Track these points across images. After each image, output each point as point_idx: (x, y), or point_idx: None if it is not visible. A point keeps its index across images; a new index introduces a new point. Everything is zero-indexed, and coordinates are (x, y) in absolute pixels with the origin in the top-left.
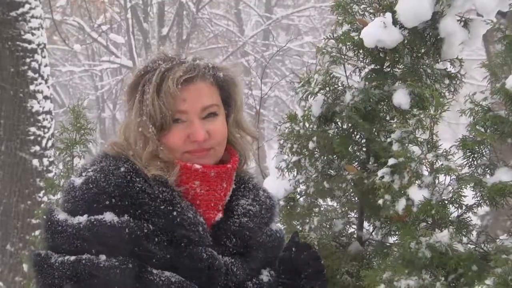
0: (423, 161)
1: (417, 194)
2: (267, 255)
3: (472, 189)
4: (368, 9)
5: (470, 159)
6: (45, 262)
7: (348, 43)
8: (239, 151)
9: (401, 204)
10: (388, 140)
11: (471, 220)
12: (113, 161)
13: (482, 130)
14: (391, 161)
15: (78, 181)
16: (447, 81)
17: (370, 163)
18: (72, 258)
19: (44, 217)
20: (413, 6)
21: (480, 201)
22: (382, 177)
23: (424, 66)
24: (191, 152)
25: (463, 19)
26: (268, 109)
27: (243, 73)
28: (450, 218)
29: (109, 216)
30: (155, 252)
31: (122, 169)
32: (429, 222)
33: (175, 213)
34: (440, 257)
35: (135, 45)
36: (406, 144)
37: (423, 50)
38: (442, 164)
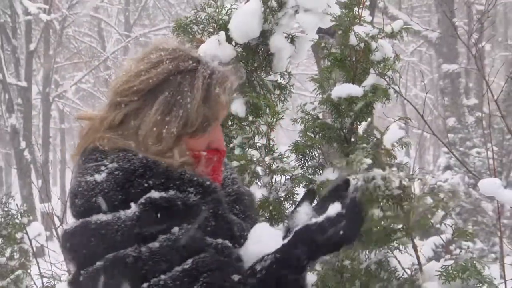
0: (261, 163)
1: (257, 192)
2: (254, 213)
3: (304, 187)
4: (207, 28)
5: (302, 161)
6: (122, 261)
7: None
8: None
9: None
10: (231, 145)
11: None
12: (122, 152)
13: (312, 135)
14: (234, 164)
15: (99, 176)
16: (278, 92)
17: None
18: (157, 244)
19: (75, 230)
20: (243, 24)
21: None
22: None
23: (258, 78)
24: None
25: (290, 36)
26: None
27: (106, 86)
28: (285, 214)
29: (155, 194)
30: (206, 220)
31: (140, 155)
32: (267, 217)
33: (208, 183)
34: None
35: (4, 59)
36: (246, 149)
37: (256, 64)
38: (278, 166)
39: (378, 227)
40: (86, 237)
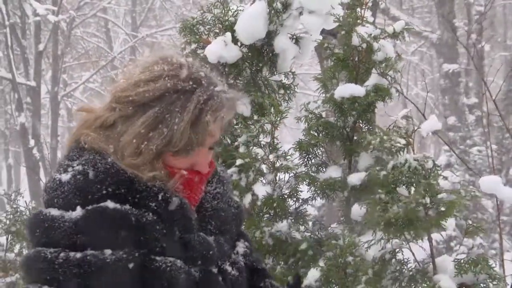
0: (266, 161)
1: (261, 189)
2: (238, 226)
3: (307, 185)
4: (213, 29)
5: (306, 159)
6: (37, 258)
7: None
8: None
9: (247, 198)
10: (236, 143)
11: (307, 211)
12: (95, 154)
13: (315, 134)
14: (239, 162)
15: (65, 176)
16: (282, 91)
17: (217, 163)
18: (78, 255)
19: (30, 217)
20: (249, 26)
21: (314, 195)
22: (231, 175)
23: (263, 78)
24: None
25: (295, 36)
26: None
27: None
28: (289, 210)
29: (110, 204)
30: (157, 240)
31: (109, 159)
32: (271, 214)
33: (174, 198)
34: (280, 244)
35: (13, 59)
36: (251, 147)
37: (261, 64)
38: (281, 164)
39: (399, 217)
40: (34, 227)
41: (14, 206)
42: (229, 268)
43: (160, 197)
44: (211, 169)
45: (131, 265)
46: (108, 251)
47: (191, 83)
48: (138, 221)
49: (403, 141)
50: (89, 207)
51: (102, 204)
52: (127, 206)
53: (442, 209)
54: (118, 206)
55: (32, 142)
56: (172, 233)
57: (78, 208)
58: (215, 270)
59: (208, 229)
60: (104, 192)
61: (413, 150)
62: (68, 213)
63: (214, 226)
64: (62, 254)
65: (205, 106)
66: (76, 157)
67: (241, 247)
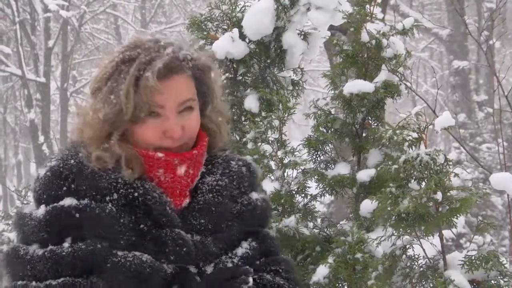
0: (274, 157)
1: (269, 186)
2: (246, 225)
3: (315, 181)
4: (221, 25)
5: (314, 156)
6: (14, 255)
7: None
8: (215, 134)
9: None
10: (244, 139)
11: (315, 208)
12: (73, 148)
13: (324, 130)
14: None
15: (42, 172)
16: (290, 87)
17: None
18: (40, 252)
19: (14, 216)
20: (255, 22)
21: (323, 191)
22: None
23: (271, 75)
24: (166, 151)
25: (303, 32)
26: None
27: None
28: (298, 207)
29: (68, 201)
30: (121, 233)
31: (80, 154)
32: (279, 210)
33: (136, 194)
34: (288, 240)
35: (23, 55)
36: (259, 143)
37: (269, 60)
38: (290, 160)
39: (409, 211)
40: (15, 225)
41: (25, 202)
42: (209, 270)
43: (120, 192)
44: (200, 150)
45: (90, 254)
46: (66, 245)
47: (139, 50)
48: (92, 215)
49: (415, 135)
50: (49, 207)
51: (58, 203)
52: (85, 201)
53: (454, 206)
54: (75, 202)
55: (41, 138)
56: (140, 227)
57: (42, 207)
58: (194, 269)
59: (193, 224)
60: (65, 188)
61: (426, 145)
62: (36, 211)
63: (201, 222)
64: (30, 251)
65: (147, 65)
66: (61, 152)
67: (244, 247)
